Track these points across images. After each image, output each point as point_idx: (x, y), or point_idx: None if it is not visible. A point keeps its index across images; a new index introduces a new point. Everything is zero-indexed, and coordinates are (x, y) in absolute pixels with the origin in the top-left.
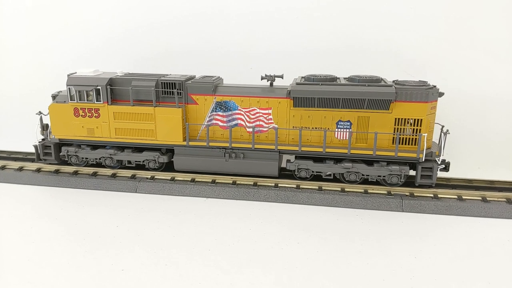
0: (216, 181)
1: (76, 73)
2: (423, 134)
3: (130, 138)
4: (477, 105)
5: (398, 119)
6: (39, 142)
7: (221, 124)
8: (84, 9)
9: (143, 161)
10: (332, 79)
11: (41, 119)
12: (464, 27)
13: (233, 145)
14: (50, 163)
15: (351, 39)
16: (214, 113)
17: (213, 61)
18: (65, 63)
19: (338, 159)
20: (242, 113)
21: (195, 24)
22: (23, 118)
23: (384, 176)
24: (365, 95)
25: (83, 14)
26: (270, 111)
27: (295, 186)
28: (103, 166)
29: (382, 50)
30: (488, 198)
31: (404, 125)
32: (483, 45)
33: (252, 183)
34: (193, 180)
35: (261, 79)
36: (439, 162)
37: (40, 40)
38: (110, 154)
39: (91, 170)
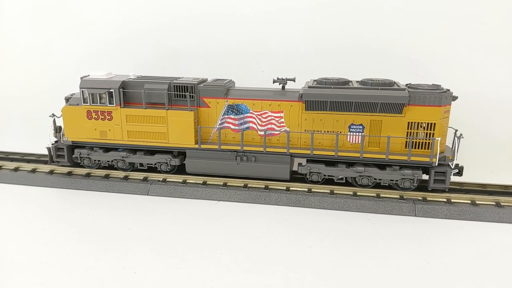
0: (228, 184)
1: (89, 75)
2: (437, 138)
3: (142, 141)
4: (490, 108)
5: (411, 123)
6: (52, 144)
7: (232, 127)
8: (89, 11)
9: (155, 164)
10: (345, 83)
11: (54, 122)
12: (480, 28)
13: (245, 148)
14: (62, 165)
15: (361, 39)
16: (226, 116)
17: (223, 62)
18: (73, 65)
19: (350, 163)
20: (254, 116)
21: (203, 25)
22: (37, 120)
23: (396, 180)
24: (378, 99)
25: (88, 16)
26: (282, 114)
27: (306, 189)
28: (115, 169)
29: (395, 51)
30: (502, 203)
31: (417, 129)
32: (498, 47)
33: (264, 186)
34: (204, 183)
35: (273, 82)
36: (452, 167)
37: (47, 42)
38: (122, 157)
39: (103, 172)
